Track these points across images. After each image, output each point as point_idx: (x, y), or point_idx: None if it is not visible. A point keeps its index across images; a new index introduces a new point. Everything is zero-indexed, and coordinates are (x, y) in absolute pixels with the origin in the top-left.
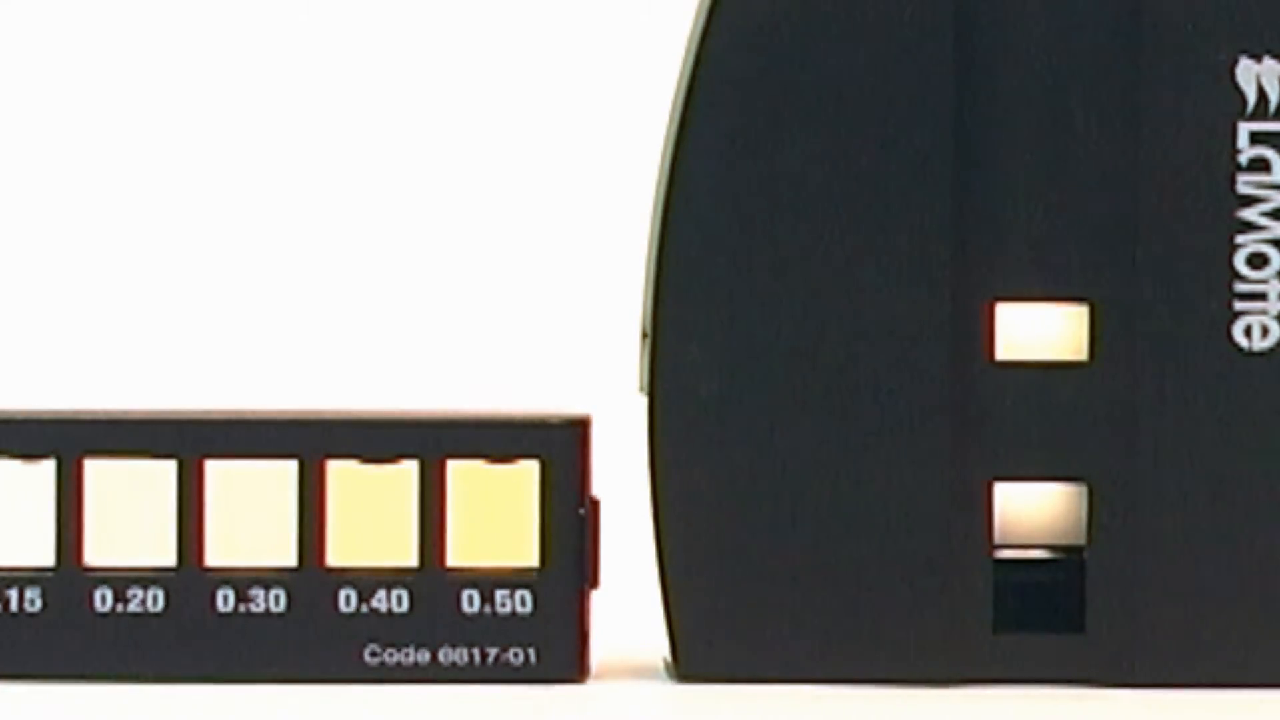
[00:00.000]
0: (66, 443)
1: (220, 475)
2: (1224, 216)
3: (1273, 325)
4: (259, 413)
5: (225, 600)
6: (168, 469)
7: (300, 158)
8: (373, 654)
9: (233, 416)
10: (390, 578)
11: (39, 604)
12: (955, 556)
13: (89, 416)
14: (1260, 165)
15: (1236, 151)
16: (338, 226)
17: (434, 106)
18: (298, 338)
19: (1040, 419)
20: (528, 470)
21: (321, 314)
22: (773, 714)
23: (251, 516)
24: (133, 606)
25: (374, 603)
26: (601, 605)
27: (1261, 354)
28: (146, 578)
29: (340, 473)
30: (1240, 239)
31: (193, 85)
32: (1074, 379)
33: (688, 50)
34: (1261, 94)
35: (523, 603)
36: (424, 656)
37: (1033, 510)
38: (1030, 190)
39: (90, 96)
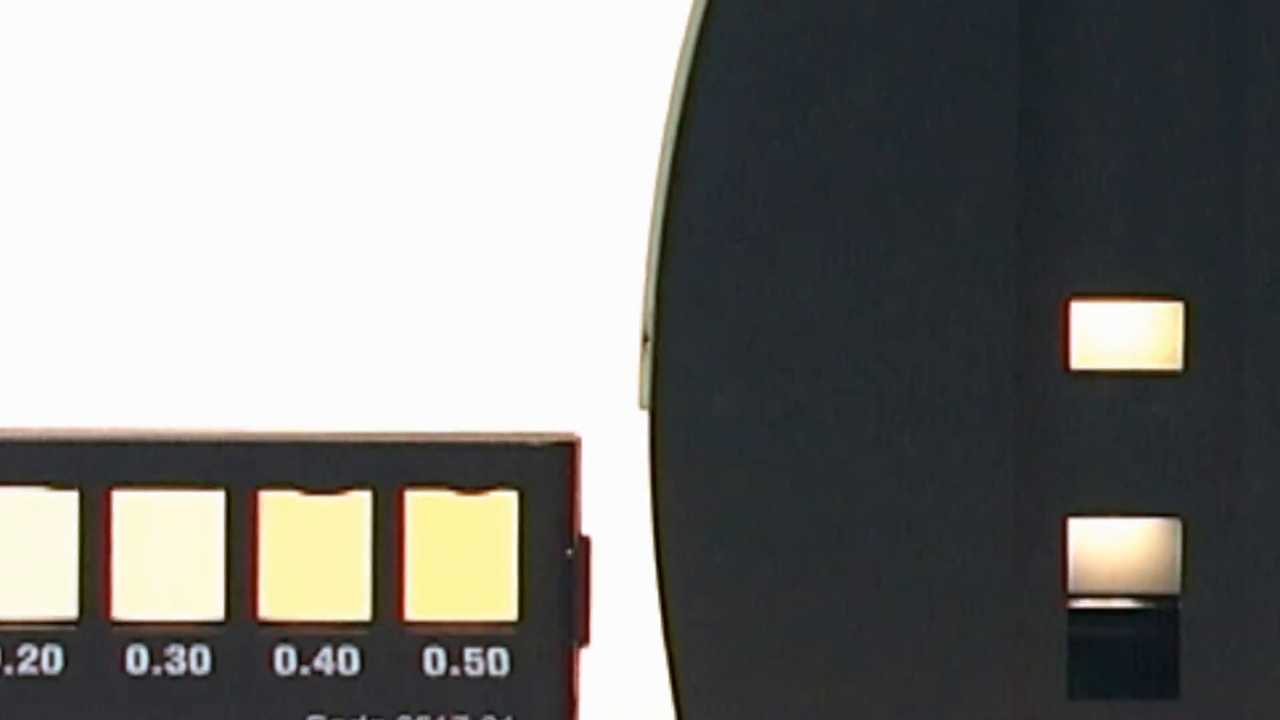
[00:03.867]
0: None
1: (131, 508)
2: None
3: None
4: (178, 433)
5: (137, 660)
6: (68, 501)
7: (263, 154)
8: None
9: (146, 437)
10: (337, 633)
11: None
12: (1022, 607)
13: None
14: None
15: None
16: (282, 218)
17: (418, 102)
18: (227, 345)
19: (1125, 440)
20: (503, 502)
21: (254, 316)
22: None
23: (169, 559)
24: (25, 667)
25: (317, 663)
26: (592, 665)
27: None
28: (42, 633)
29: (276, 505)
30: None
31: (155, 91)
32: (1165, 392)
33: (694, 4)
34: None
35: (497, 663)
36: None
37: (1116, 551)
38: (1112, 166)
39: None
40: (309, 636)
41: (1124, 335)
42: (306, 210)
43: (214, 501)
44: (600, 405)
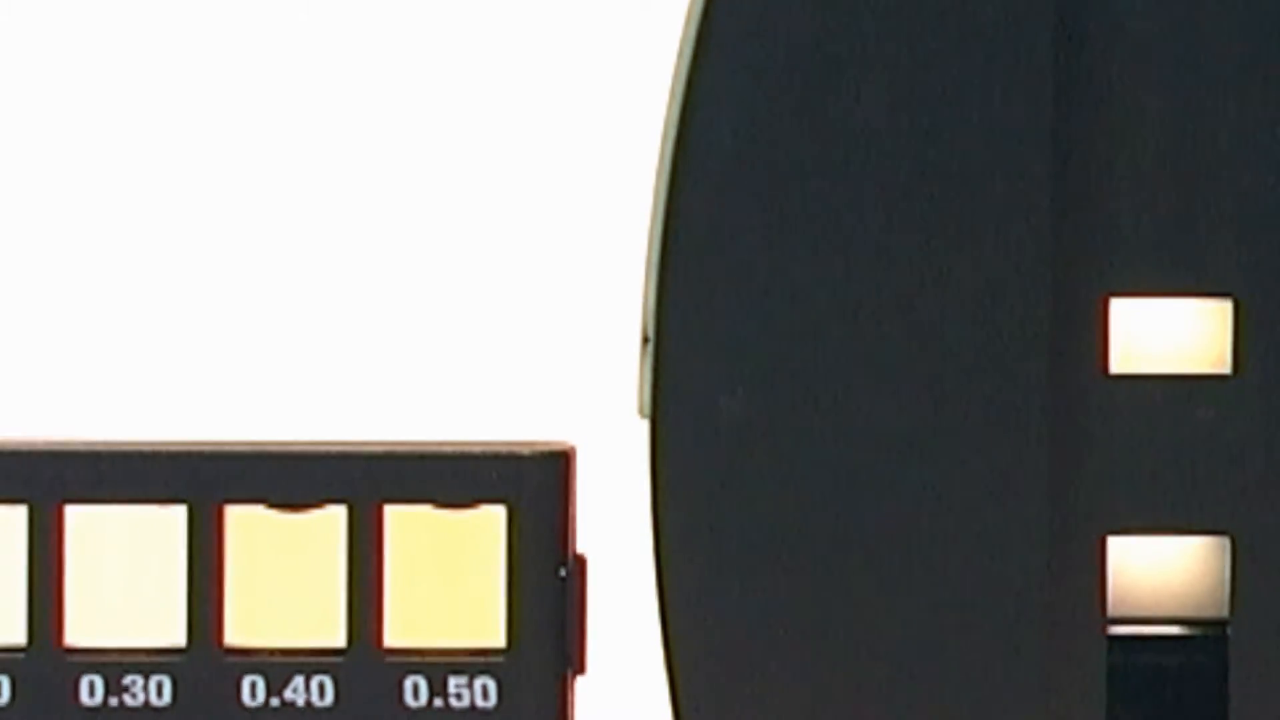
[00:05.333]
0: None
1: (85, 525)
2: None
3: None
4: (136, 443)
5: (91, 691)
6: (16, 517)
7: (241, 155)
8: None
9: (101, 448)
10: (310, 662)
11: None
12: (1058, 632)
13: None
14: None
15: None
16: (260, 219)
17: (412, 101)
18: (191, 348)
19: (1169, 451)
20: (491, 518)
21: (222, 319)
22: None
23: (126, 580)
24: None
25: (288, 694)
26: (587, 696)
27: None
28: None
29: (244, 522)
30: None
31: (127, 96)
32: (1213, 397)
33: (693, 2)
34: None
35: (484, 694)
36: None
37: (1159, 572)
38: (1155, 153)
39: None
40: (279, 665)
41: (1168, 335)
42: (286, 211)
43: (175, 517)
44: (596, 412)
